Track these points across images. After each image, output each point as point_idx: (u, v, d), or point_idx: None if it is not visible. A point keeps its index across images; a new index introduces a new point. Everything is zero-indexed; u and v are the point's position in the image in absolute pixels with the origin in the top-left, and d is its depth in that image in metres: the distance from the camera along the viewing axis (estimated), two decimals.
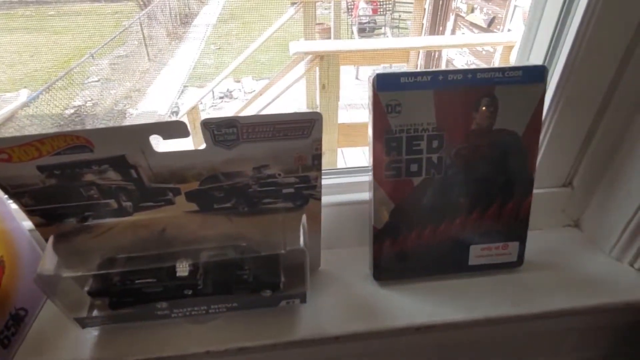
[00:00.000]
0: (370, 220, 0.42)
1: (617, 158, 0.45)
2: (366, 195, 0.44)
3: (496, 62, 2.36)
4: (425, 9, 3.41)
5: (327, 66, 2.06)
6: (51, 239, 0.35)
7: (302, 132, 0.32)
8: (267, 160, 0.34)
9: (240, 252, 0.38)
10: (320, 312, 0.41)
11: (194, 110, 3.25)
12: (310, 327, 0.40)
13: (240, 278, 0.38)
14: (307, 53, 1.98)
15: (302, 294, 0.39)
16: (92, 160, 0.31)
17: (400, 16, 6.43)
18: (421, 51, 3.36)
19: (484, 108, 0.39)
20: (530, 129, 0.40)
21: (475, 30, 2.84)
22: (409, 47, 2.48)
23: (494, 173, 0.41)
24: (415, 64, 3.49)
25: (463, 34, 2.95)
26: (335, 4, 4.37)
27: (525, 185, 0.42)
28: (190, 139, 0.32)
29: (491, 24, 2.59)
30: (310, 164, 0.35)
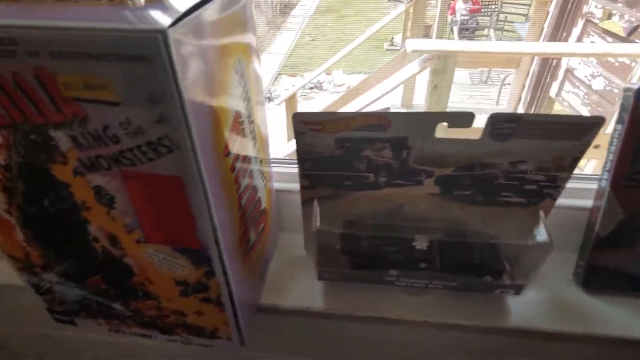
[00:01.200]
0: (592, 227, 0.43)
1: None
2: (579, 202, 0.45)
3: (635, 78, 2.13)
4: (548, 12, 3.15)
5: (443, 66, 2.03)
6: (316, 202, 0.42)
7: (576, 134, 0.34)
8: (526, 157, 0.37)
9: (472, 235, 0.41)
10: (528, 307, 0.43)
11: (292, 99, 3.39)
12: (521, 318, 0.42)
13: (471, 261, 0.41)
14: (425, 51, 1.97)
15: (519, 287, 0.42)
16: (381, 138, 0.36)
17: (506, 17, 6.02)
18: (536, 58, 3.14)
19: None
20: None
21: (609, 39, 2.57)
22: (544, 52, 2.33)
23: None
24: (527, 71, 3.26)
25: (592, 42, 2.69)
26: (441, 2, 4.23)
27: None
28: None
29: (632, 33, 2.32)
30: (565, 165, 0.37)
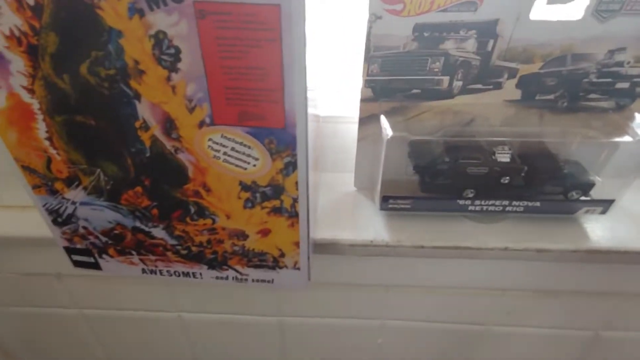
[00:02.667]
0: None
1: None
2: None
3: None
4: None
5: None
6: (383, 116, 0.36)
7: None
8: (627, 42, 0.33)
9: (553, 148, 0.37)
10: (611, 228, 0.39)
11: None
12: (610, 239, 0.38)
13: (557, 173, 0.36)
14: None
15: (607, 203, 0.37)
16: (467, 22, 0.31)
17: None
18: None
19: None
20: None
21: None
22: None
23: None
24: None
25: None
26: None
27: None
28: None
29: None
30: None
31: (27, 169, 0.27)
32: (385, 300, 0.47)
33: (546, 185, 0.37)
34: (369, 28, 0.32)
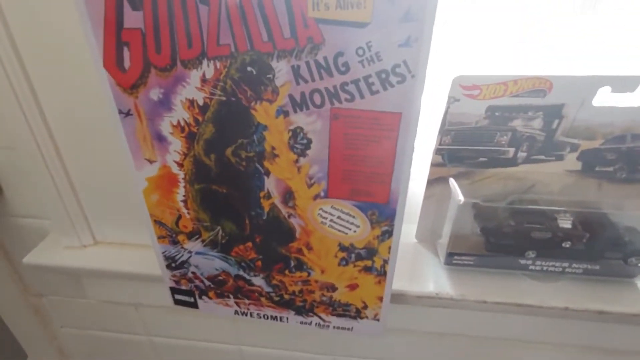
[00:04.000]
0: None
1: None
2: None
3: None
4: None
5: None
6: (452, 179, 0.40)
7: None
8: None
9: (613, 217, 0.39)
10: None
11: None
12: None
13: (617, 240, 0.39)
14: None
15: None
16: (534, 105, 0.35)
17: None
18: None
19: None
20: None
21: None
22: None
23: None
24: None
25: None
26: None
27: None
28: None
29: None
30: None
31: (158, 222, 0.32)
32: (446, 346, 0.49)
33: (606, 250, 0.39)
34: (447, 107, 0.36)
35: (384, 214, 0.28)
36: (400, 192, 0.27)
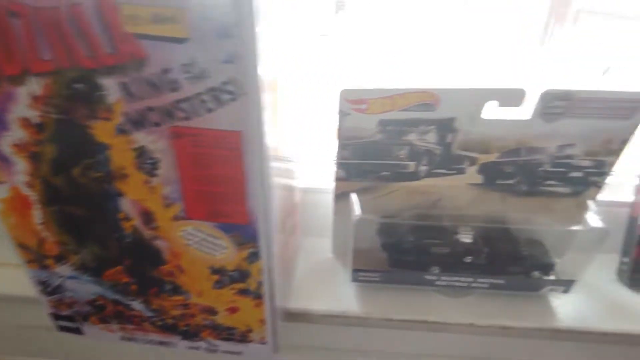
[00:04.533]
0: (635, 220, 0.41)
1: None
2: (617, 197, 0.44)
3: None
4: None
5: None
6: (355, 195, 0.39)
7: (627, 112, 0.34)
8: (575, 139, 0.36)
9: (514, 230, 0.39)
10: (578, 306, 0.41)
11: None
12: (573, 318, 0.39)
13: (518, 254, 0.38)
14: None
15: (568, 283, 0.39)
16: (427, 119, 0.35)
17: None
18: None
19: None
20: None
21: None
22: None
23: None
24: None
25: None
26: None
27: None
28: None
29: None
30: (614, 149, 0.36)
31: (22, 246, 0.30)
32: None
33: (508, 264, 0.39)
34: (340, 122, 0.35)
35: (246, 236, 0.27)
36: (259, 212, 0.26)
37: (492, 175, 0.38)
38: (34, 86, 0.23)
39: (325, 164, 0.46)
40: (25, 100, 0.23)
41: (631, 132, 0.35)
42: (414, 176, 0.39)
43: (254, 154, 0.24)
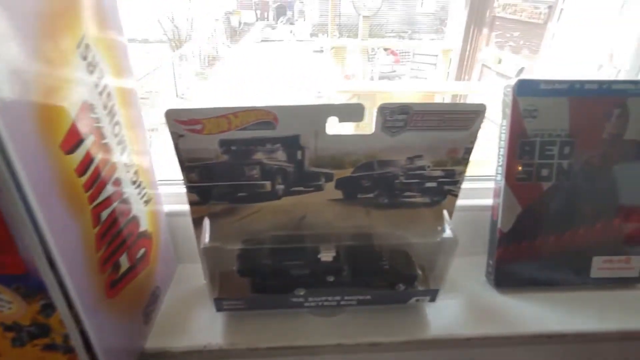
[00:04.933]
0: (495, 224, 0.43)
1: None
2: (479, 202, 0.46)
3: None
4: (450, 59, 3.56)
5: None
6: (207, 219, 0.36)
7: (464, 123, 0.34)
8: (422, 151, 0.36)
9: (380, 243, 0.39)
10: (445, 314, 0.41)
11: None
12: (440, 327, 0.39)
13: (380, 268, 0.38)
14: (346, 92, 2.06)
15: (433, 292, 0.39)
16: (270, 138, 0.33)
17: (418, 67, 6.71)
18: (445, 96, 3.47)
19: (615, 118, 0.40)
20: None
21: (502, 79, 2.94)
22: (437, 91, 2.59)
23: (621, 184, 0.42)
24: None
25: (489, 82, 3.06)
26: (360, 53, 4.60)
27: None
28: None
29: (519, 74, 2.69)
30: (460, 158, 0.36)
31: None
32: None
33: (371, 279, 0.38)
34: (175, 144, 0.32)
35: (32, 287, 0.23)
36: (38, 261, 0.22)
37: (351, 190, 0.38)
38: None
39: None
40: None
41: (472, 141, 0.35)
42: (273, 195, 0.37)
43: (7, 198, 0.20)
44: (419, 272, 0.39)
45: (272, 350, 0.37)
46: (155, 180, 0.39)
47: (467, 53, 3.37)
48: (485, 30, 3.17)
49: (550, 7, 2.45)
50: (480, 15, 3.18)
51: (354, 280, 0.38)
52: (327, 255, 0.37)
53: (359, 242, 0.39)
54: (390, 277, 0.38)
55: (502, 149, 0.41)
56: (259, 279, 0.37)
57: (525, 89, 0.39)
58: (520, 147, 0.40)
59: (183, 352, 0.36)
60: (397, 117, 0.33)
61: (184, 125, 0.31)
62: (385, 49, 6.50)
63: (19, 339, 0.26)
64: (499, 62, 2.86)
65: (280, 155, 0.35)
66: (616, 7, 1.95)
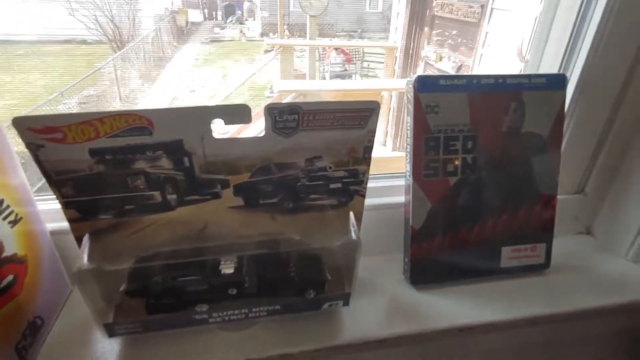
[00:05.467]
0: (408, 221, 0.43)
1: (627, 164, 0.49)
2: (393, 199, 0.46)
3: None
4: (396, 57, 3.65)
5: None
6: (87, 236, 0.33)
7: (359, 122, 0.33)
8: (320, 152, 0.34)
9: (284, 249, 0.37)
10: (360, 316, 0.40)
11: None
12: (353, 330, 0.38)
13: (287, 276, 0.36)
14: (290, 91, 2.04)
15: (345, 296, 0.38)
16: (149, 144, 0.30)
17: (369, 65, 6.85)
18: (394, 94, 3.56)
19: (512, 111, 0.41)
20: (554, 132, 0.43)
21: None
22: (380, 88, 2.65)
23: (522, 175, 0.43)
24: (388, 106, 3.66)
25: None
26: (309, 52, 4.61)
27: (551, 186, 0.44)
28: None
29: (458, 71, 2.81)
30: (361, 157, 0.35)
31: None
32: None
33: (278, 288, 0.36)
34: (35, 155, 0.29)
35: None
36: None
37: (252, 196, 0.36)
38: None
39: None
40: None
41: (370, 139, 0.35)
42: (166, 206, 0.34)
43: None
44: (328, 277, 0.37)
45: None
46: (30, 197, 0.35)
47: (411, 51, 3.47)
48: (426, 29, 3.28)
49: (482, 6, 2.58)
50: (421, 15, 3.28)
51: (260, 290, 0.36)
52: (228, 267, 0.34)
53: (265, 250, 0.37)
54: (299, 284, 0.37)
55: (408, 146, 0.41)
56: (152, 298, 0.34)
57: (426, 85, 0.39)
58: (426, 143, 0.40)
59: None
60: (287, 117, 0.31)
61: (41, 134, 0.28)
62: (336, 48, 6.55)
63: None
64: (440, 59, 2.98)
65: (165, 162, 0.32)
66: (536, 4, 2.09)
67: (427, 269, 0.44)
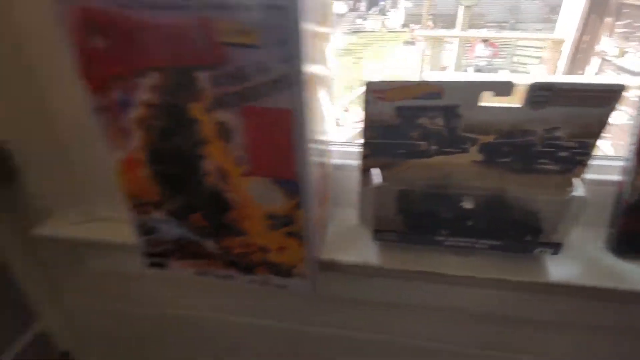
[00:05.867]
0: (621, 195, 0.48)
1: None
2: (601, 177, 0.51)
3: None
4: (561, 51, 3.28)
5: None
6: (377, 169, 0.48)
7: (602, 101, 0.41)
8: (560, 123, 0.43)
9: (512, 200, 0.47)
10: (566, 267, 0.48)
11: None
12: (562, 275, 0.46)
13: (510, 219, 0.46)
14: None
15: (557, 245, 0.46)
16: (435, 106, 0.43)
17: (519, 60, 6.21)
18: None
19: None
20: None
21: (624, 74, 2.65)
22: None
23: None
24: None
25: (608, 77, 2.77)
26: (459, 45, 4.44)
27: None
28: None
29: None
30: (594, 132, 0.43)
31: (130, 196, 0.42)
32: (380, 316, 0.57)
33: (504, 228, 0.47)
34: (366, 109, 0.44)
35: (294, 189, 0.37)
36: (303, 172, 0.36)
37: (492, 154, 0.46)
38: (153, 78, 0.33)
39: (350, 145, 0.56)
40: (146, 88, 0.34)
41: (606, 117, 0.41)
42: (426, 154, 0.48)
43: (299, 128, 0.34)
44: (544, 227, 0.46)
45: (417, 274, 0.48)
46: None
47: (583, 45, 3.08)
48: (607, 20, 2.87)
49: None
50: (603, 2, 2.88)
51: (489, 227, 0.47)
52: (468, 204, 0.46)
53: (494, 195, 0.47)
54: (520, 229, 0.46)
55: (637, 129, 0.46)
56: (413, 218, 0.48)
57: None
58: None
59: (349, 265, 0.49)
60: (542, 93, 0.41)
61: (375, 94, 0.43)
62: (485, 40, 6.13)
63: (274, 225, 0.40)
64: (622, 55, 2.58)
65: (439, 121, 0.45)
66: None
67: (634, 241, 0.48)
